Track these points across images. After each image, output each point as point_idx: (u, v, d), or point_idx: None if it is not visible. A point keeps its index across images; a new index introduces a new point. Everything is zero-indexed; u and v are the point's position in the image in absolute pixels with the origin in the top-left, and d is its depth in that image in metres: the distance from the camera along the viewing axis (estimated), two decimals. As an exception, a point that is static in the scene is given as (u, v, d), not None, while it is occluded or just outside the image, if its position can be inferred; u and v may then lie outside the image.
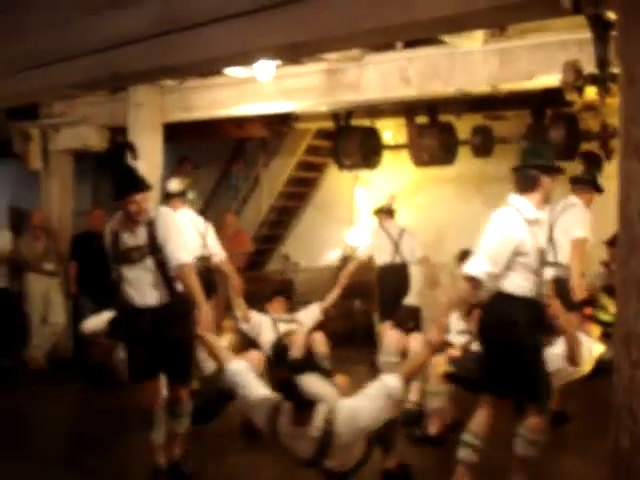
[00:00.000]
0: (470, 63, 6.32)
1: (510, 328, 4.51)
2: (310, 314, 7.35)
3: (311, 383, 4.24)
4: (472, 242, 8.06)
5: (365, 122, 9.52)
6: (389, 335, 7.10)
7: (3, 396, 7.52)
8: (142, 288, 5.02)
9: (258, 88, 7.49)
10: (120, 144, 9.01)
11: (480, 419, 4.68)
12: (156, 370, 5.11)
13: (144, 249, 4.99)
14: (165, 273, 4.99)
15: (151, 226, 4.97)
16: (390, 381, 4.34)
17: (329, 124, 9.61)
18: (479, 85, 6.45)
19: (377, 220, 8.11)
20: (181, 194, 7.25)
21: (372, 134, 9.50)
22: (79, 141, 9.37)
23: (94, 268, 8.96)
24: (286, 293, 8.28)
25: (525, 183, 4.67)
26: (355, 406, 4.27)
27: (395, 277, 7.76)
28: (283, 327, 7.05)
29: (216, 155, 11.89)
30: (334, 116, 9.24)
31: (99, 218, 9.37)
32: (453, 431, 5.49)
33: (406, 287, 7.76)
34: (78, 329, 9.24)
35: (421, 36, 5.48)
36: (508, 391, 4.62)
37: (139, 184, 5.00)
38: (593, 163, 6.91)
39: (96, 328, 5.74)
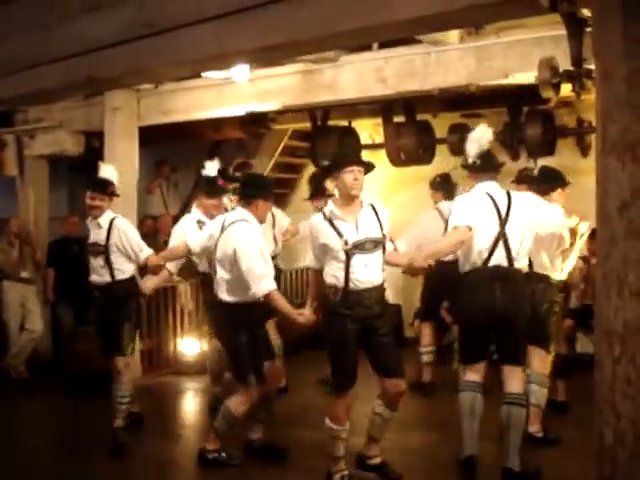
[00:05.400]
0: (446, 62, 6.35)
1: None
2: None
3: None
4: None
5: (342, 122, 9.51)
6: None
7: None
8: None
9: (235, 90, 7.49)
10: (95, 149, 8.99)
11: None
12: None
13: None
14: None
15: None
16: None
17: (306, 124, 9.59)
18: (455, 83, 6.46)
19: None
20: None
21: (349, 134, 9.47)
22: (55, 146, 9.32)
23: (72, 274, 8.95)
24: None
25: None
26: None
27: None
28: None
29: (193, 157, 11.77)
30: (311, 116, 9.22)
31: (77, 224, 9.31)
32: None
33: None
34: (57, 336, 9.23)
35: (399, 36, 5.47)
36: None
37: None
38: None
39: None
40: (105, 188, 6.13)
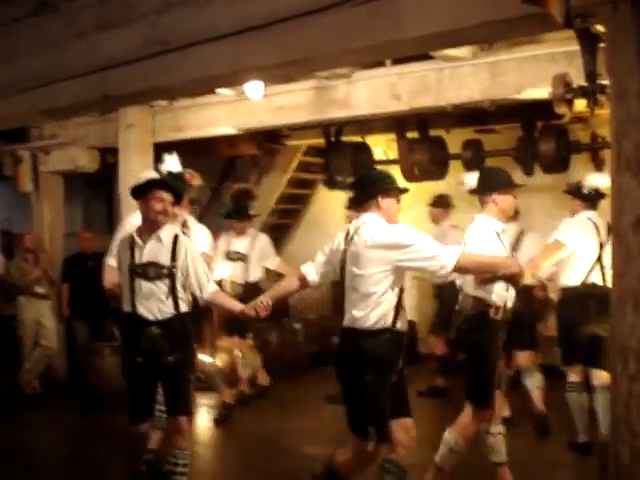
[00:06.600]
0: (459, 77, 6.33)
1: None
2: None
3: None
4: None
5: (356, 138, 9.52)
6: None
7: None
8: None
9: (249, 106, 7.50)
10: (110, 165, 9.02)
11: None
12: None
13: None
14: None
15: None
16: None
17: (320, 140, 9.60)
18: (469, 99, 6.45)
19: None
20: None
21: (363, 150, 9.48)
22: (70, 162, 9.36)
23: (87, 290, 8.98)
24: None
25: None
26: None
27: None
28: None
29: (207, 173, 11.80)
30: (325, 133, 9.23)
31: (90, 240, 9.35)
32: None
33: None
34: (72, 352, 9.25)
35: (411, 53, 5.48)
36: None
37: None
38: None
39: None
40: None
